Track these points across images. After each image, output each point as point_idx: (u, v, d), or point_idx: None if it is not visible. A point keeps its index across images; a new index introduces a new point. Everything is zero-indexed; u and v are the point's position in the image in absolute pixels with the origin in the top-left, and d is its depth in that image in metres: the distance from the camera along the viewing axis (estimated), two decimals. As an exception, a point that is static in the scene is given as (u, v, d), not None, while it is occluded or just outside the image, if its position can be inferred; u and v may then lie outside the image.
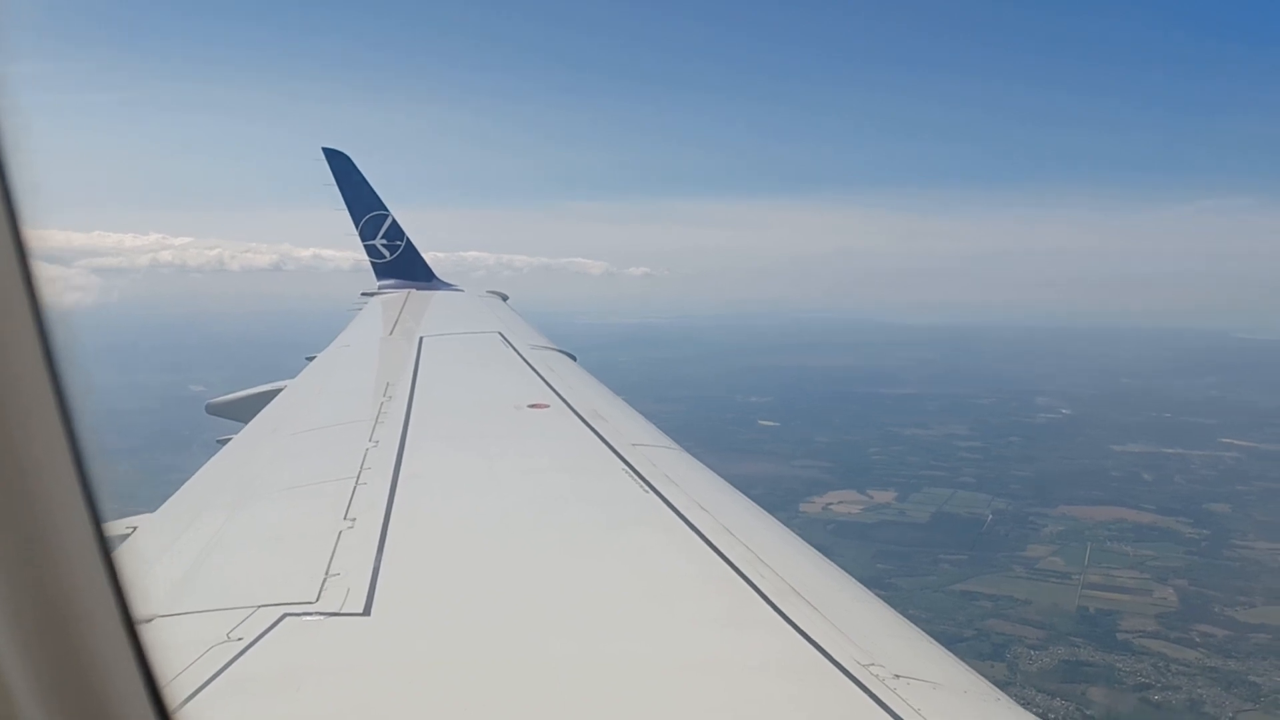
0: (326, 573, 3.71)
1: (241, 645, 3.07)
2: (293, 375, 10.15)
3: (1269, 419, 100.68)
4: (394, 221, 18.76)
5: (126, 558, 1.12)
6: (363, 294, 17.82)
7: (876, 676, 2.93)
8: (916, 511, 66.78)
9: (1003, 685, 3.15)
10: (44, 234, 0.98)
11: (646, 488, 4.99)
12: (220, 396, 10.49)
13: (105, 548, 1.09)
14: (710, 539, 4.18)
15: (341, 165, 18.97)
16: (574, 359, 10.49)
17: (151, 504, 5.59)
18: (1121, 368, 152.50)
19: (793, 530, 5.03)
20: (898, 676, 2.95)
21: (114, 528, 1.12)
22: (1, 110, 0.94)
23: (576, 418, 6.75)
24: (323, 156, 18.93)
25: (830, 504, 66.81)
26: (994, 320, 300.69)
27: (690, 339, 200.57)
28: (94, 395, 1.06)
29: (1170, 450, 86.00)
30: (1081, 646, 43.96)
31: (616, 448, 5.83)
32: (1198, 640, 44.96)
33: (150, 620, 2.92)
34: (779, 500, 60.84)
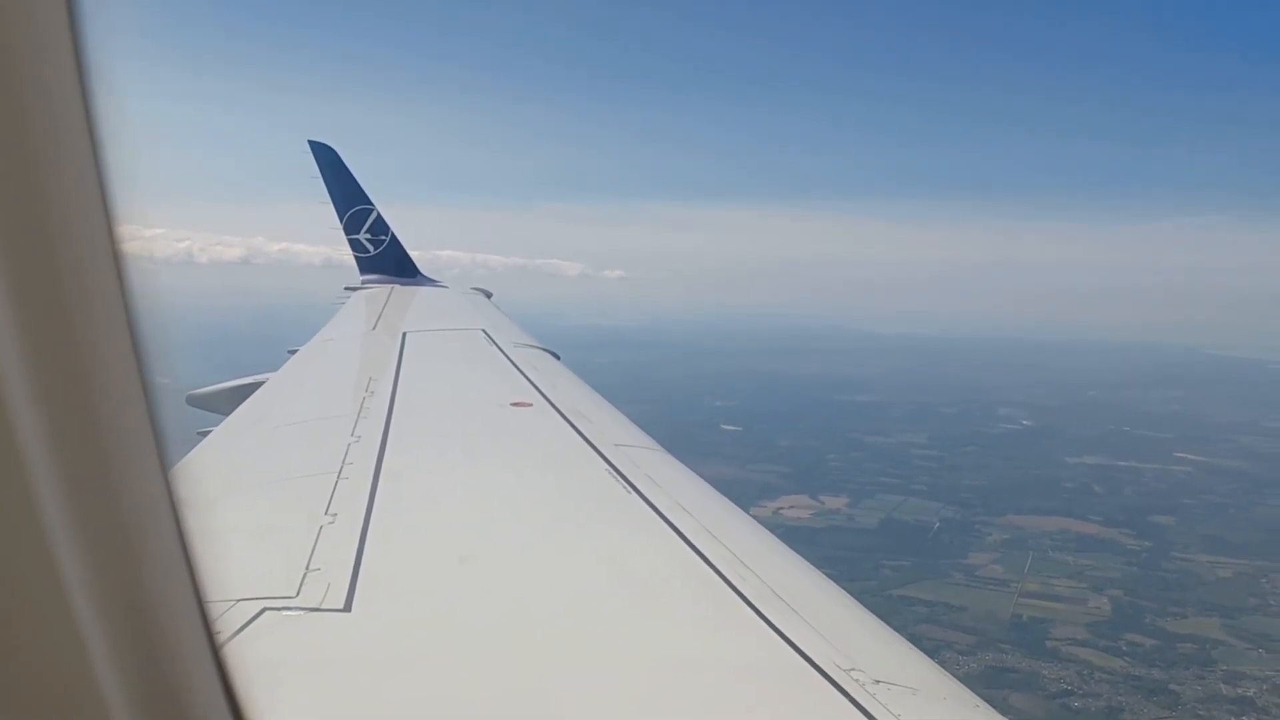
0: (307, 567, 3.68)
1: (226, 637, 2.99)
2: (269, 369, 10.09)
3: (1225, 434, 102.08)
4: (379, 216, 18.65)
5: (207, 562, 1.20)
6: (346, 288, 17.67)
7: (857, 681, 2.95)
8: (866, 517, 67.30)
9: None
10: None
11: (629, 488, 4.99)
12: (201, 388, 10.39)
13: (186, 547, 1.16)
14: (692, 541, 4.18)
15: (327, 158, 18.76)
16: (557, 357, 10.49)
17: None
18: (1090, 380, 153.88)
19: None
20: (878, 682, 2.96)
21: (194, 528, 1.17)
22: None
23: (560, 417, 6.76)
24: (307, 149, 18.78)
25: (781, 508, 67.21)
26: (970, 330, 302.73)
27: (665, 342, 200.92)
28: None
29: (1124, 463, 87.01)
30: (1009, 653, 44.61)
31: (599, 447, 5.84)
32: (1125, 649, 45.65)
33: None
34: (730, 503, 61.12)
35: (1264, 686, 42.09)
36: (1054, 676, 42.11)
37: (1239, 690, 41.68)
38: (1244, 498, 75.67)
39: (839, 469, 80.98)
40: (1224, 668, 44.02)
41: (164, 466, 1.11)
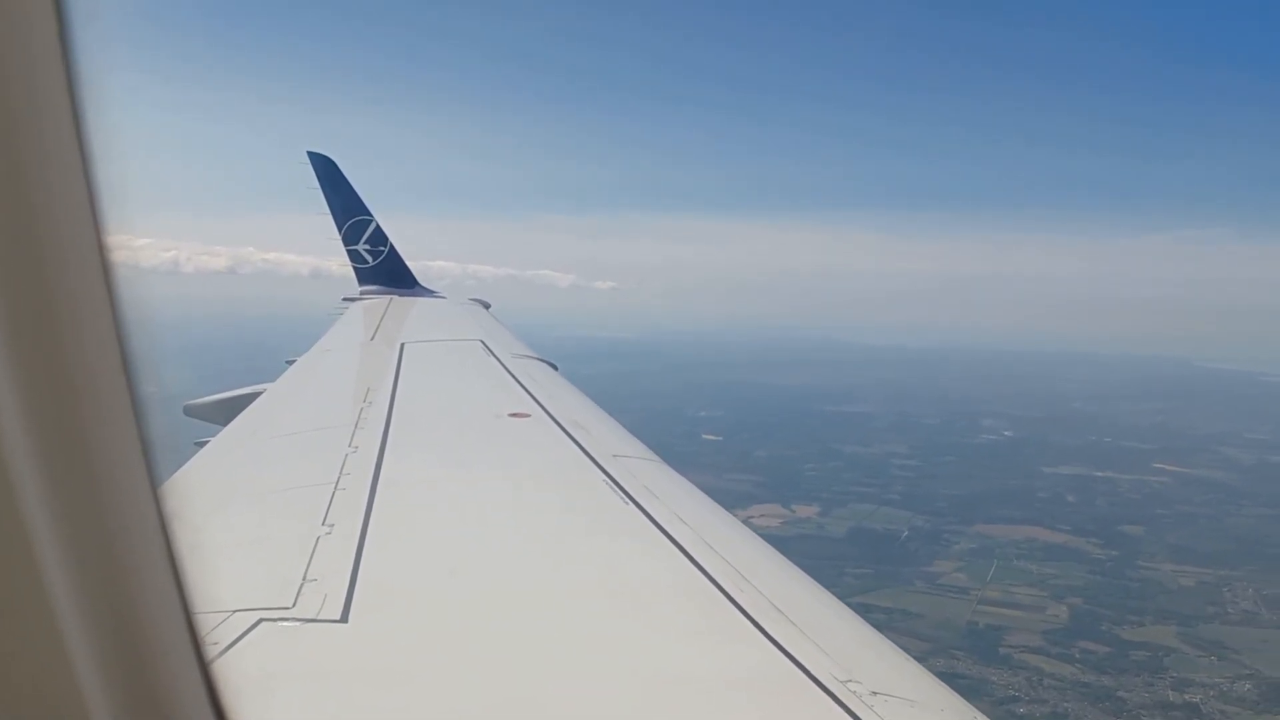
0: (304, 578, 3.68)
1: (216, 650, 2.98)
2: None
3: (1207, 445, 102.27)
4: (378, 227, 18.71)
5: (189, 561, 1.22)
6: (344, 299, 17.78)
7: (854, 693, 2.95)
8: (835, 526, 67.63)
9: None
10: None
11: (626, 499, 5.01)
12: (199, 398, 10.39)
13: (174, 560, 1.17)
14: (690, 553, 4.20)
15: (326, 169, 18.77)
16: (555, 368, 10.59)
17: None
18: (1077, 392, 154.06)
19: None
20: (875, 693, 2.97)
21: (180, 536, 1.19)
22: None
23: (557, 428, 6.78)
24: (298, 160, 18.73)
25: (751, 517, 67.34)
26: (962, 342, 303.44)
27: (657, 353, 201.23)
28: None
29: (1100, 473, 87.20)
30: (961, 659, 44.87)
31: (597, 459, 5.86)
32: (1077, 656, 45.98)
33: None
34: (700, 512, 61.40)
35: (1211, 693, 42.38)
36: (1002, 683, 42.41)
37: (1186, 697, 41.97)
38: (1218, 508, 75.87)
39: (815, 478, 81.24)
40: (1174, 675, 44.35)
41: (152, 477, 1.11)
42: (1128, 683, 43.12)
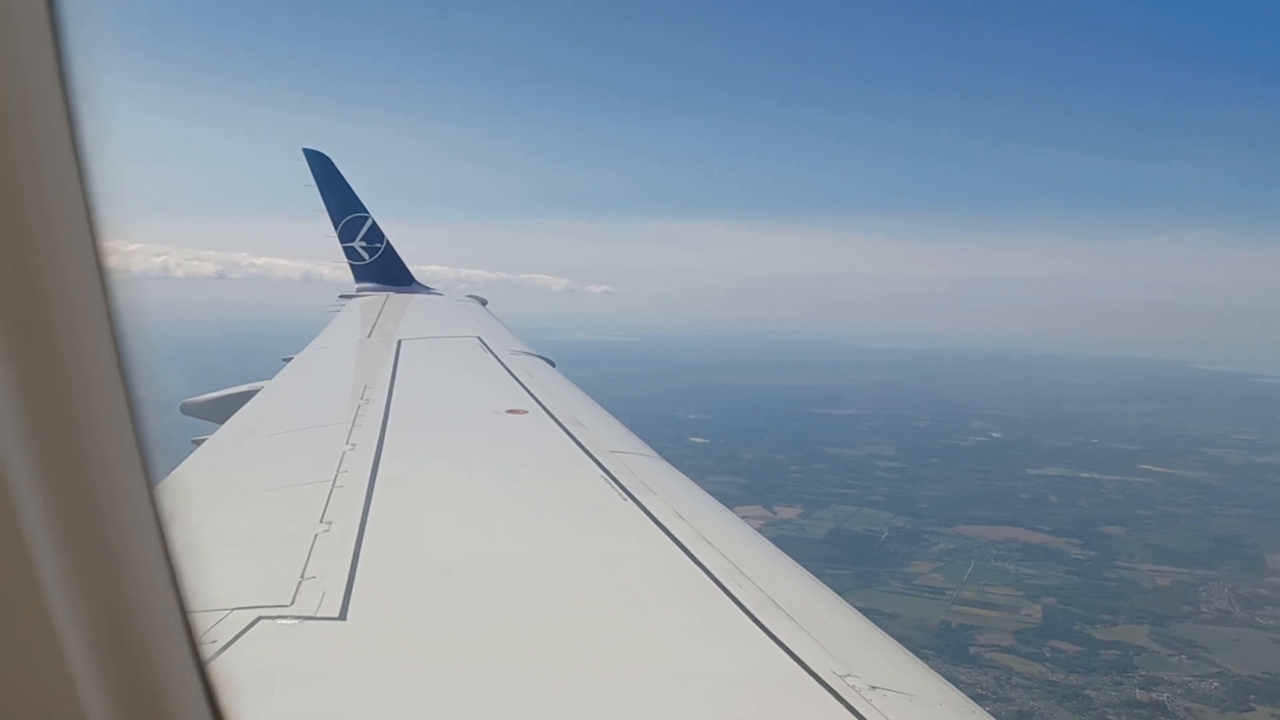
0: (302, 576, 3.68)
1: (215, 648, 3.01)
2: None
3: (1194, 447, 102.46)
4: (374, 224, 18.62)
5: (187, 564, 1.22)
6: (341, 296, 17.75)
7: (853, 688, 2.96)
8: (815, 528, 67.73)
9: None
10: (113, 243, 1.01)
11: (625, 495, 5.03)
12: (196, 396, 10.45)
13: (170, 560, 1.17)
14: (689, 548, 4.20)
15: (322, 166, 18.66)
16: (553, 364, 10.63)
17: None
18: (1070, 394, 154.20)
19: None
20: (874, 688, 2.97)
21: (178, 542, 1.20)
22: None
23: (555, 424, 6.80)
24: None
25: (732, 519, 67.48)
26: (957, 345, 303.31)
27: (652, 357, 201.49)
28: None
29: (1085, 475, 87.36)
30: (931, 658, 44.24)
31: (595, 454, 5.88)
32: (1047, 656, 46.12)
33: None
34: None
35: (1178, 691, 42.54)
36: (970, 682, 42.40)
37: (1153, 695, 42.12)
38: (1200, 508, 76.06)
39: (799, 480, 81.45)
40: (1143, 673, 44.52)
41: (148, 477, 1.12)
42: (1096, 681, 43.26)
